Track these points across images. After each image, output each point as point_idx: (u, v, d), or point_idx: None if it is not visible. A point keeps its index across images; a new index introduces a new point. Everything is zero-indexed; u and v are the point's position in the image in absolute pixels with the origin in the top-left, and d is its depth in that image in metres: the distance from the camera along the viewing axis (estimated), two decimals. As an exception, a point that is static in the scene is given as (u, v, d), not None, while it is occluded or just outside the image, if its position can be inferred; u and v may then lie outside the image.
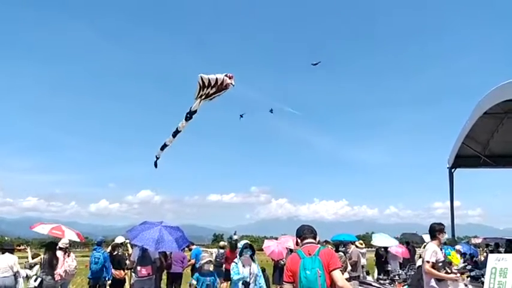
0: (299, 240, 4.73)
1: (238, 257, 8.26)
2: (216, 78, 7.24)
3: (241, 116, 9.83)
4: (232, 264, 8.26)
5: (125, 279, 12.06)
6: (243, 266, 7.95)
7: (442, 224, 7.28)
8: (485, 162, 16.20)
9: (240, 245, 8.48)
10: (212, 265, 7.88)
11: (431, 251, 6.85)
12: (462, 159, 16.23)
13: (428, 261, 6.78)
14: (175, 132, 8.74)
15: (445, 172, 16.77)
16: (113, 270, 11.55)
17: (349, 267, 12.41)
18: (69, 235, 11.26)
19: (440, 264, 6.74)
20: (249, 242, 8.86)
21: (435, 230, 7.14)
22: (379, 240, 17.35)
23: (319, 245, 4.58)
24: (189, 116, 8.13)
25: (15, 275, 9.31)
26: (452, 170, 16.54)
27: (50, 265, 9.92)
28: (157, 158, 9.68)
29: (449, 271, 6.83)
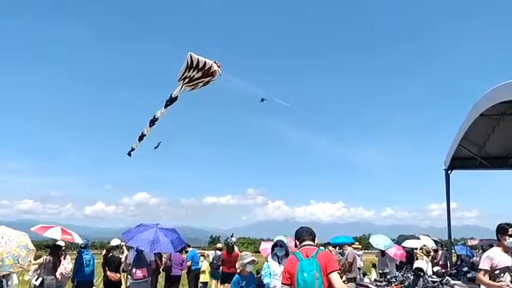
0: (297, 242, 4.70)
1: (270, 256, 7.47)
2: (205, 61, 7.10)
3: (262, 99, 9.50)
4: (264, 264, 7.49)
5: (120, 281, 12.02)
6: (279, 265, 6.98)
7: (509, 224, 5.90)
8: (482, 164, 16.18)
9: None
10: (253, 266, 7.19)
11: (484, 257, 5.98)
12: (458, 161, 16.21)
13: (480, 269, 5.93)
14: (153, 121, 8.55)
15: (441, 174, 16.76)
16: (108, 273, 11.50)
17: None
18: (77, 238, 11.15)
19: (497, 271, 5.77)
20: (283, 238, 7.57)
21: (497, 232, 5.98)
22: (376, 240, 17.38)
23: (317, 248, 4.55)
24: (169, 102, 7.99)
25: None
26: (449, 171, 16.51)
27: (54, 266, 9.92)
28: (133, 149, 9.48)
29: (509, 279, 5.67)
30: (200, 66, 7.09)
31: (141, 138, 9.11)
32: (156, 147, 9.71)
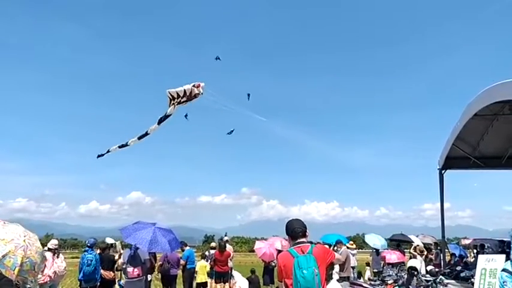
0: (290, 239, 4.57)
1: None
2: (184, 90, 7.50)
3: (230, 132, 10.46)
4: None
5: (114, 280, 12.00)
6: None
7: None
8: (475, 164, 16.26)
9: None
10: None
11: None
12: (452, 161, 16.28)
13: None
14: (143, 136, 8.73)
15: (435, 174, 16.84)
16: (102, 271, 11.48)
17: (338, 268, 12.44)
18: None
19: None
20: None
21: None
22: (373, 240, 17.45)
23: (310, 244, 4.45)
24: (163, 119, 8.21)
25: None
26: (443, 171, 16.58)
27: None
28: (108, 152, 9.51)
29: None
30: (182, 95, 7.49)
31: (122, 146, 9.17)
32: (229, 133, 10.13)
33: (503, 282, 4.26)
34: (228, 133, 11.47)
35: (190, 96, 7.58)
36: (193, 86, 7.55)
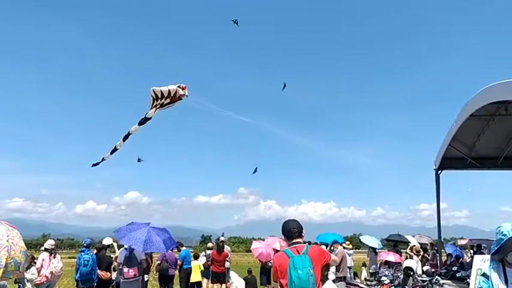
0: (286, 240, 4.57)
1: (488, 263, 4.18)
2: (169, 90, 7.44)
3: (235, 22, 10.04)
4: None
5: (111, 280, 11.99)
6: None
7: None
8: (472, 164, 16.32)
9: None
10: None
11: None
12: (449, 161, 16.35)
13: None
14: (126, 136, 8.74)
15: (431, 174, 16.91)
16: (99, 271, 11.46)
17: (334, 268, 12.46)
18: None
19: None
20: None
21: None
22: (369, 240, 17.48)
23: (306, 244, 4.44)
24: (143, 121, 8.20)
25: None
26: (439, 171, 16.65)
27: None
28: (103, 160, 9.57)
29: None
30: (166, 95, 7.45)
31: (113, 151, 9.21)
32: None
33: None
34: (253, 172, 12.39)
35: (174, 98, 7.52)
36: (179, 86, 7.50)
